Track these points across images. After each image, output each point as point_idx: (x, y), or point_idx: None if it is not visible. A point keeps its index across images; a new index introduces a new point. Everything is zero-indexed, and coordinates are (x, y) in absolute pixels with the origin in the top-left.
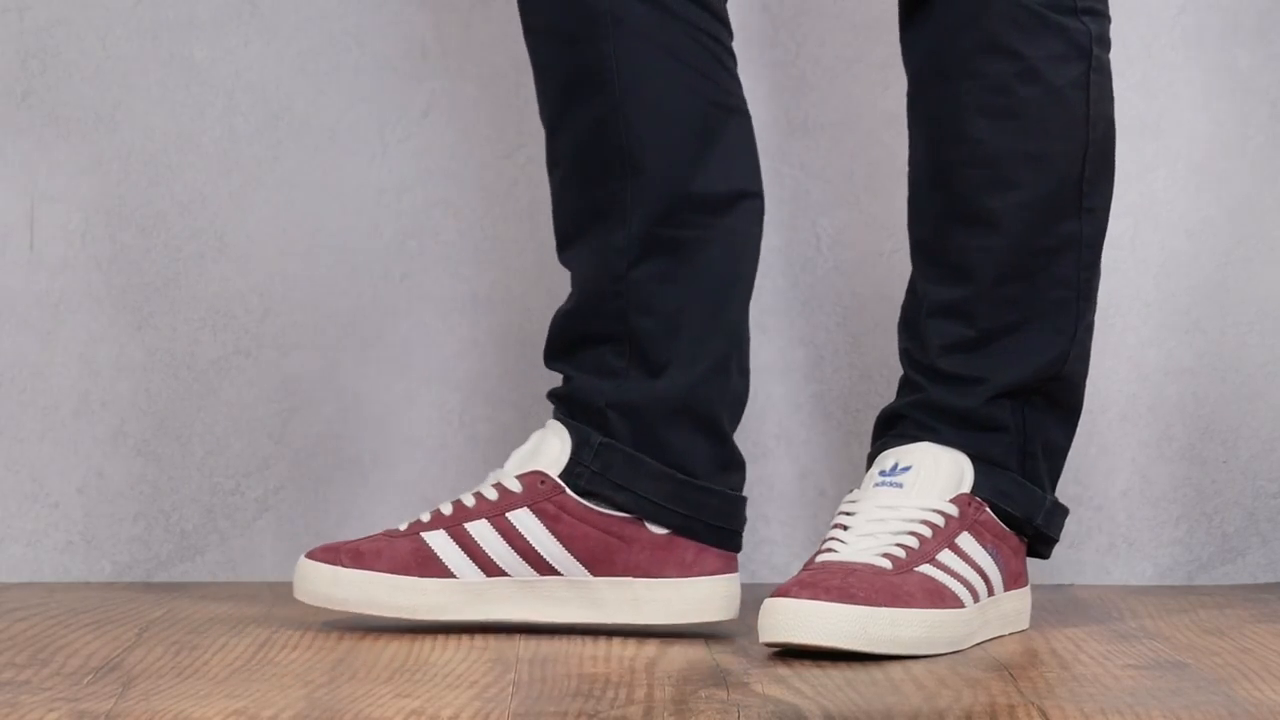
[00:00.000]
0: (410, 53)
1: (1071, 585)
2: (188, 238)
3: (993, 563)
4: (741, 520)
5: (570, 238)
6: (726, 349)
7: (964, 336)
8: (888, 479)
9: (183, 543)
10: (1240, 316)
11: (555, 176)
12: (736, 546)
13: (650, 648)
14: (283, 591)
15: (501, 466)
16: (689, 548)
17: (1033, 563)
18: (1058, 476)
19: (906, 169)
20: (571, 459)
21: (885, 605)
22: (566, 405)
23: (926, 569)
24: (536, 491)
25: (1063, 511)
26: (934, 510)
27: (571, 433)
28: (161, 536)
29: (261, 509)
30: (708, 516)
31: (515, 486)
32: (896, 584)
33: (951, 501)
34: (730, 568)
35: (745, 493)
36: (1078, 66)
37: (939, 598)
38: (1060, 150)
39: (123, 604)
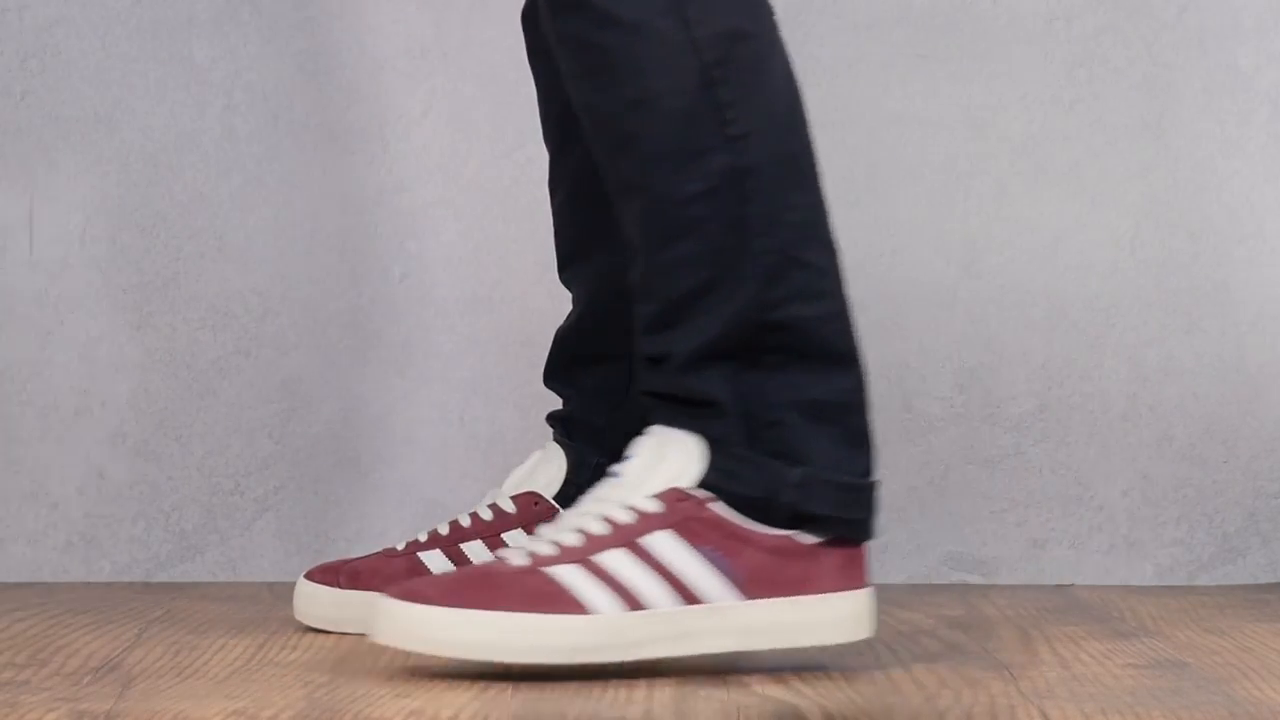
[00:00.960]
0: (410, 53)
1: (1072, 585)
2: (188, 238)
3: (706, 567)
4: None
5: (571, 258)
6: None
7: (650, 313)
8: (612, 470)
9: (183, 543)
10: (1240, 316)
11: (556, 199)
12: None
13: None
14: (282, 592)
15: (505, 471)
16: None
17: (1035, 562)
18: (862, 437)
19: (906, 169)
20: (567, 480)
21: (458, 605)
22: (565, 426)
23: (559, 569)
24: (530, 513)
25: (847, 485)
26: (628, 506)
27: (569, 454)
28: (161, 536)
29: (261, 509)
30: None
31: (509, 507)
32: (499, 583)
33: (658, 496)
34: None
35: None
36: None
37: (548, 601)
38: (664, 87)
39: (123, 604)
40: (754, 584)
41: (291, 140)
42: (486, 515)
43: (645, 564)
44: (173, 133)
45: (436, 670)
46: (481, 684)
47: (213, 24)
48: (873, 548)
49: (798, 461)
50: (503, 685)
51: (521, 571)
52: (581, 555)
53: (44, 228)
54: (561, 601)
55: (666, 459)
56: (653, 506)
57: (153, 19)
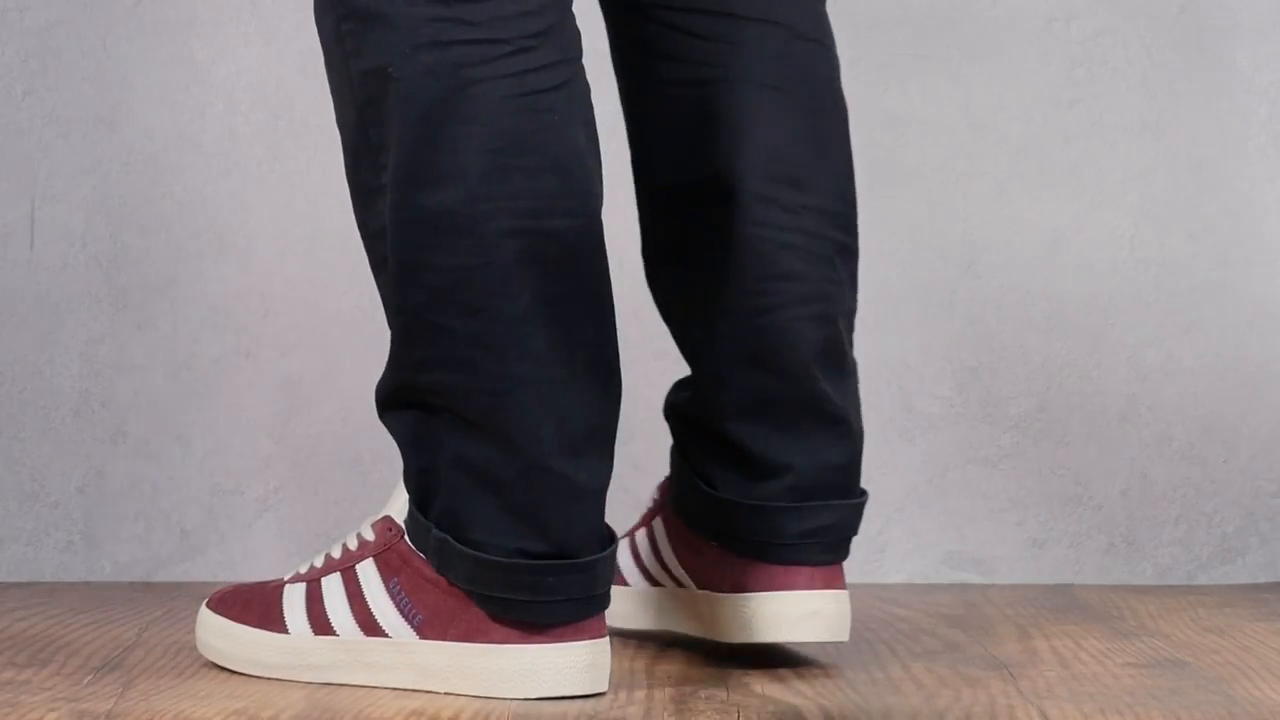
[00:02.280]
0: None
1: (1071, 585)
2: (188, 238)
3: (390, 601)
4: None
5: None
6: None
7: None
8: None
9: (183, 543)
10: (1240, 316)
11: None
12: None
13: (650, 647)
14: None
15: None
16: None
17: (1034, 561)
18: (522, 511)
19: (906, 169)
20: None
21: (220, 614)
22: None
23: (291, 587)
24: (384, 539)
25: (483, 562)
26: (357, 533)
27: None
28: (161, 536)
29: (261, 509)
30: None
31: (369, 535)
32: (255, 597)
33: (374, 524)
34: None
35: None
36: (328, 18)
37: (265, 618)
38: (341, 120)
39: (123, 604)
40: (429, 624)
41: (291, 140)
42: (353, 544)
43: (346, 591)
44: (173, 133)
45: None
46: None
47: (213, 24)
48: (873, 547)
49: (454, 523)
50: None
51: (276, 587)
52: (314, 575)
53: (44, 228)
54: (272, 619)
55: (398, 487)
56: (369, 534)
57: (153, 19)
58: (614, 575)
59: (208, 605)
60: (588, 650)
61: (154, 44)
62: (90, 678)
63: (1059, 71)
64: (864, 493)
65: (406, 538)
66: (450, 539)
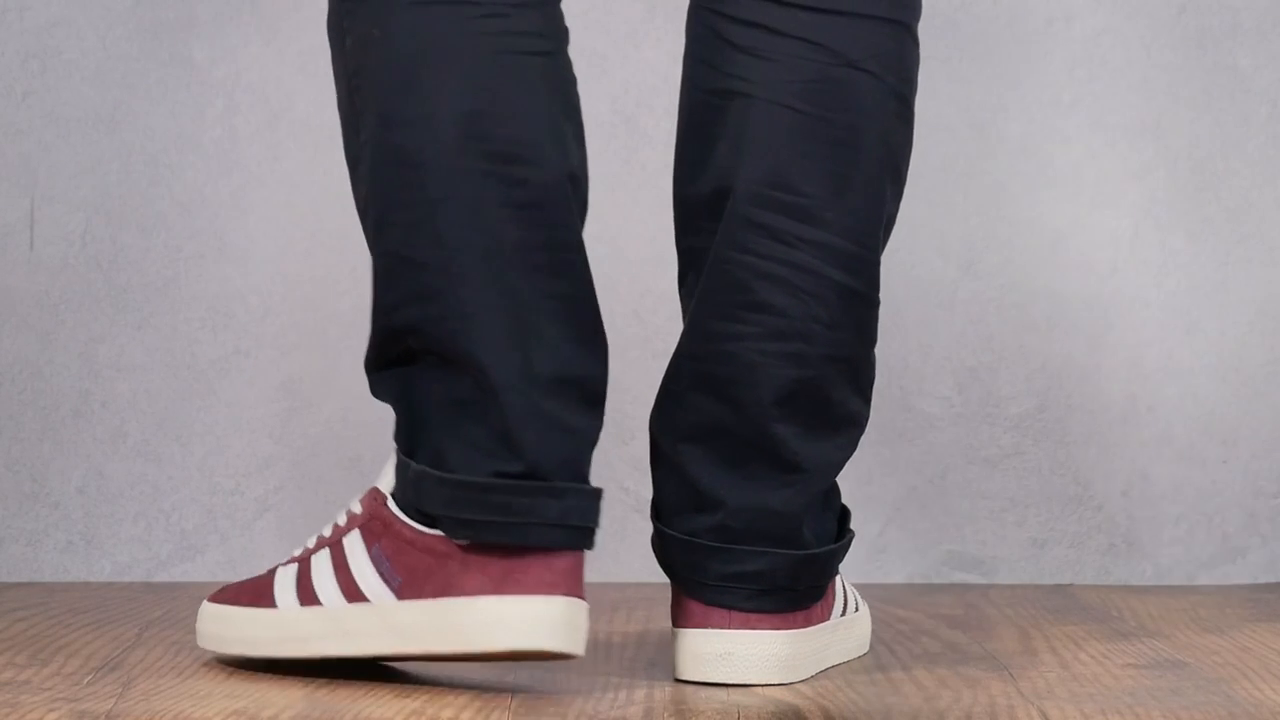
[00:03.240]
0: None
1: (1071, 585)
2: (188, 238)
3: (371, 566)
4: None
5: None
6: None
7: None
8: None
9: (183, 543)
10: (1240, 316)
11: None
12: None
13: (650, 648)
14: None
15: None
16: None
17: (1034, 561)
18: (504, 437)
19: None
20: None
21: (220, 601)
22: None
23: (284, 567)
24: (369, 510)
25: (461, 483)
26: (347, 508)
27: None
28: (161, 536)
29: (261, 509)
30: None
31: (356, 509)
32: (247, 582)
33: (362, 498)
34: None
35: None
36: (331, 3)
37: (258, 596)
38: (338, 100)
39: (123, 604)
40: (408, 585)
41: (291, 140)
42: (342, 520)
43: (333, 563)
44: (173, 133)
45: (436, 670)
46: (482, 684)
47: (213, 24)
48: (873, 548)
49: (437, 459)
50: (503, 685)
51: (271, 569)
52: (305, 554)
53: (44, 228)
54: (264, 597)
55: (389, 462)
56: (356, 508)
57: (153, 19)
58: (594, 524)
59: (208, 599)
60: (564, 606)
61: (154, 44)
62: (90, 678)
63: (1059, 71)
64: (818, 545)
65: (390, 503)
66: (429, 469)
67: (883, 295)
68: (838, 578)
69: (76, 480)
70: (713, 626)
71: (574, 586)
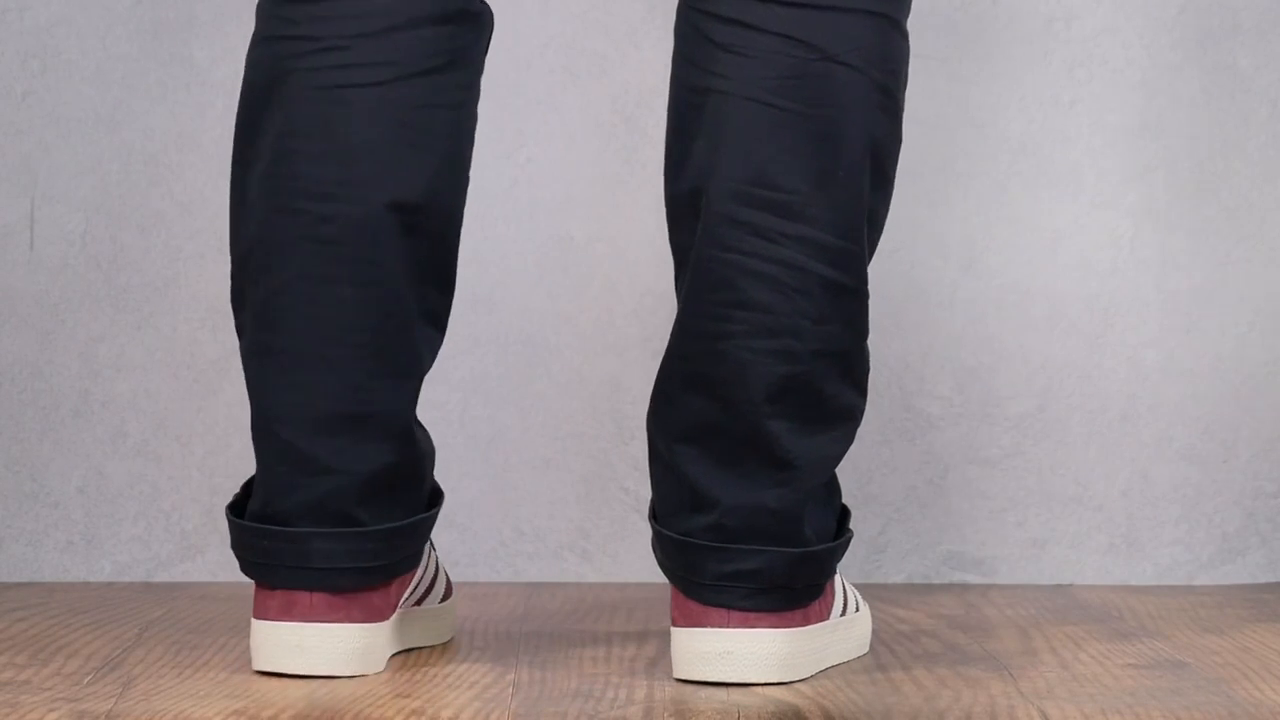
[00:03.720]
0: None
1: (1071, 585)
2: (187, 238)
3: None
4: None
5: None
6: None
7: None
8: None
9: (183, 543)
10: (1240, 316)
11: None
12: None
13: (650, 648)
14: None
15: (505, 471)
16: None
17: (1034, 561)
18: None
19: (906, 169)
20: None
21: None
22: None
23: None
24: None
25: (231, 523)
26: None
27: None
28: (161, 536)
29: None
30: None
31: None
32: None
33: None
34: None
35: None
36: None
37: None
38: None
39: (123, 604)
40: None
41: None
42: None
43: None
44: (173, 133)
45: (436, 670)
46: (482, 684)
47: (213, 24)
48: (873, 548)
49: (237, 504)
50: (503, 685)
51: None
52: None
53: (44, 228)
54: None
55: None
56: None
57: (153, 19)
58: (345, 564)
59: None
60: (291, 631)
61: (154, 44)
62: (90, 678)
63: (1059, 71)
64: (817, 542)
65: None
66: (228, 508)
67: (883, 296)
68: (837, 577)
69: (76, 480)
70: (711, 625)
71: (311, 612)
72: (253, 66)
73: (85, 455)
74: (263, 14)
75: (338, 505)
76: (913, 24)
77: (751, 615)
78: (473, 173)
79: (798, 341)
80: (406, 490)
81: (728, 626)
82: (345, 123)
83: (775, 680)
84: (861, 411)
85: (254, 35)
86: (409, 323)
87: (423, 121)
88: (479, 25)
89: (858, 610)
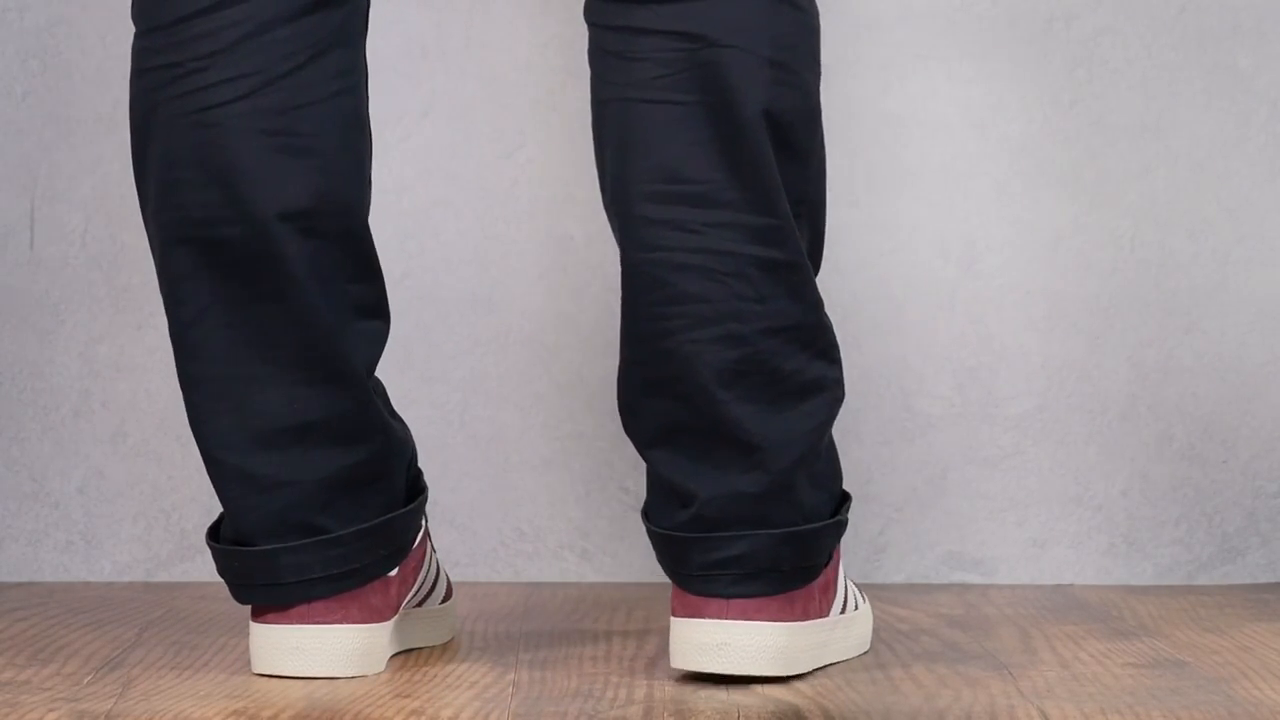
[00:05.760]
0: (410, 53)
1: (1071, 585)
2: None
3: None
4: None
5: None
6: None
7: None
8: None
9: (183, 543)
10: (1240, 316)
11: None
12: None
13: (650, 647)
14: None
15: (505, 471)
16: None
17: (1034, 561)
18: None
19: (906, 169)
20: None
21: None
22: None
23: None
24: None
25: (212, 549)
26: None
27: None
28: (161, 536)
29: None
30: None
31: None
32: None
33: None
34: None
35: None
36: None
37: None
38: None
39: (123, 604)
40: None
41: None
42: None
43: None
44: None
45: (436, 670)
46: (482, 684)
47: None
48: (873, 548)
49: (215, 530)
50: (503, 685)
51: None
52: None
53: (44, 228)
54: None
55: None
56: None
57: None
58: (310, 575)
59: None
60: (290, 633)
61: None
62: (90, 678)
63: (1059, 71)
64: (803, 522)
65: None
66: (208, 533)
67: (884, 296)
68: (840, 575)
69: (76, 480)
70: (709, 616)
71: (309, 615)
72: (131, 104)
73: (85, 455)
74: (133, 49)
75: (298, 517)
76: (913, 24)
77: (750, 608)
78: (474, 172)
79: (740, 324)
80: (372, 489)
81: (725, 618)
82: (216, 144)
83: (772, 674)
84: (836, 381)
85: (130, 73)
86: (330, 325)
87: (295, 125)
88: (341, 5)
89: (858, 608)
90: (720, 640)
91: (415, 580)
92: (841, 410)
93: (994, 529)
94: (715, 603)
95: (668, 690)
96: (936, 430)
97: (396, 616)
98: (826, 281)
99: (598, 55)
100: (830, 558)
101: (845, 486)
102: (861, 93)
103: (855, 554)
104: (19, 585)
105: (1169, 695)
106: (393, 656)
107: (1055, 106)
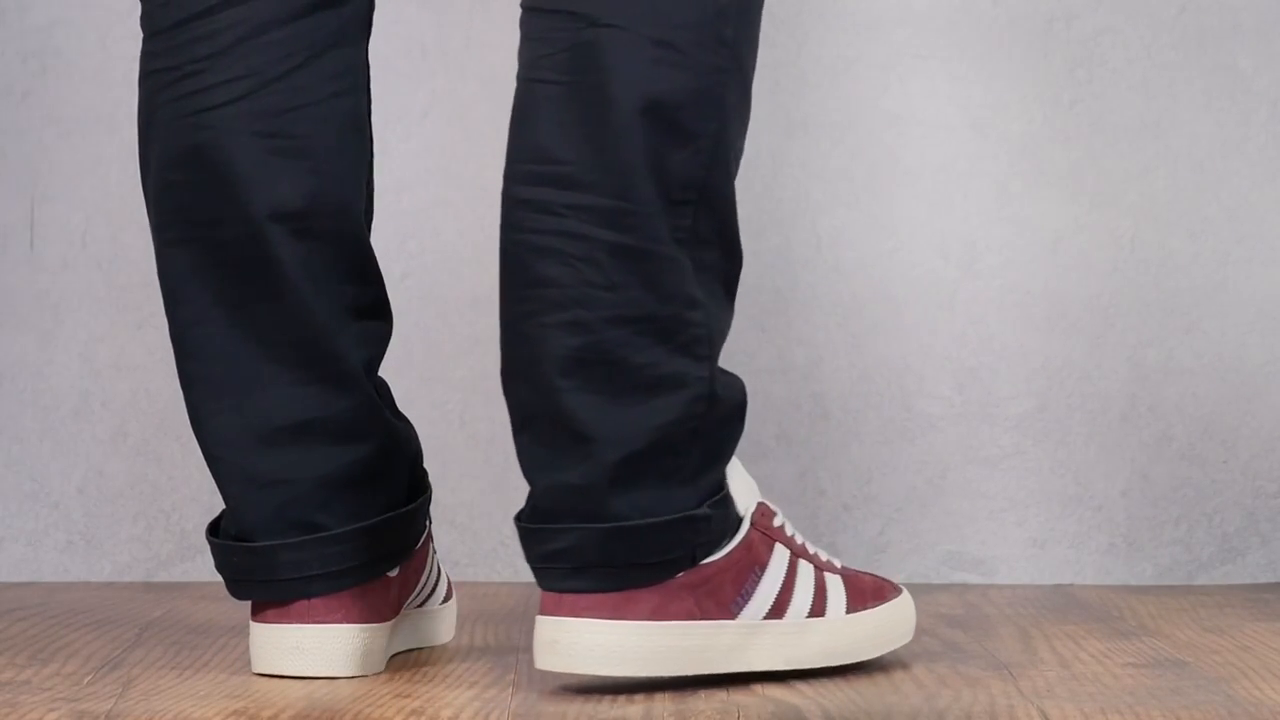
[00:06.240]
0: (410, 53)
1: (1071, 585)
2: None
3: None
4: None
5: None
6: None
7: None
8: None
9: (183, 543)
10: (1240, 316)
11: None
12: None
13: None
14: None
15: (505, 471)
16: None
17: (1034, 561)
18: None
19: (906, 169)
20: None
21: None
22: None
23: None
24: None
25: (211, 544)
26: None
27: None
28: (161, 536)
29: None
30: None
31: None
32: None
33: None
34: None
35: None
36: None
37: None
38: None
39: (123, 604)
40: None
41: None
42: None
43: None
44: None
45: (436, 670)
46: (482, 684)
47: None
48: (873, 548)
49: (215, 526)
50: (503, 685)
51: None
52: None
53: (44, 228)
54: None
55: None
56: None
57: None
58: (310, 571)
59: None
60: (289, 633)
61: None
62: (90, 678)
63: (1059, 71)
64: (639, 517)
65: None
66: (208, 529)
67: (884, 296)
68: (781, 575)
69: (76, 480)
70: (545, 613)
71: (309, 614)
72: (137, 108)
73: (85, 455)
74: (140, 55)
75: (297, 514)
76: (913, 24)
77: (579, 604)
78: (474, 172)
79: (587, 311)
80: (372, 488)
81: (557, 614)
82: (212, 146)
83: (612, 674)
84: (701, 379)
85: (137, 78)
86: (327, 325)
87: (289, 127)
88: (340, 7)
89: (824, 615)
90: (552, 637)
91: (417, 582)
92: (841, 411)
93: (994, 529)
94: (550, 597)
95: (668, 690)
96: (936, 430)
97: (397, 617)
98: (827, 281)
99: (520, 41)
100: (696, 556)
101: (845, 486)
102: (861, 93)
103: (855, 554)
104: (19, 585)
105: (1169, 695)
106: (393, 656)
107: (1055, 106)
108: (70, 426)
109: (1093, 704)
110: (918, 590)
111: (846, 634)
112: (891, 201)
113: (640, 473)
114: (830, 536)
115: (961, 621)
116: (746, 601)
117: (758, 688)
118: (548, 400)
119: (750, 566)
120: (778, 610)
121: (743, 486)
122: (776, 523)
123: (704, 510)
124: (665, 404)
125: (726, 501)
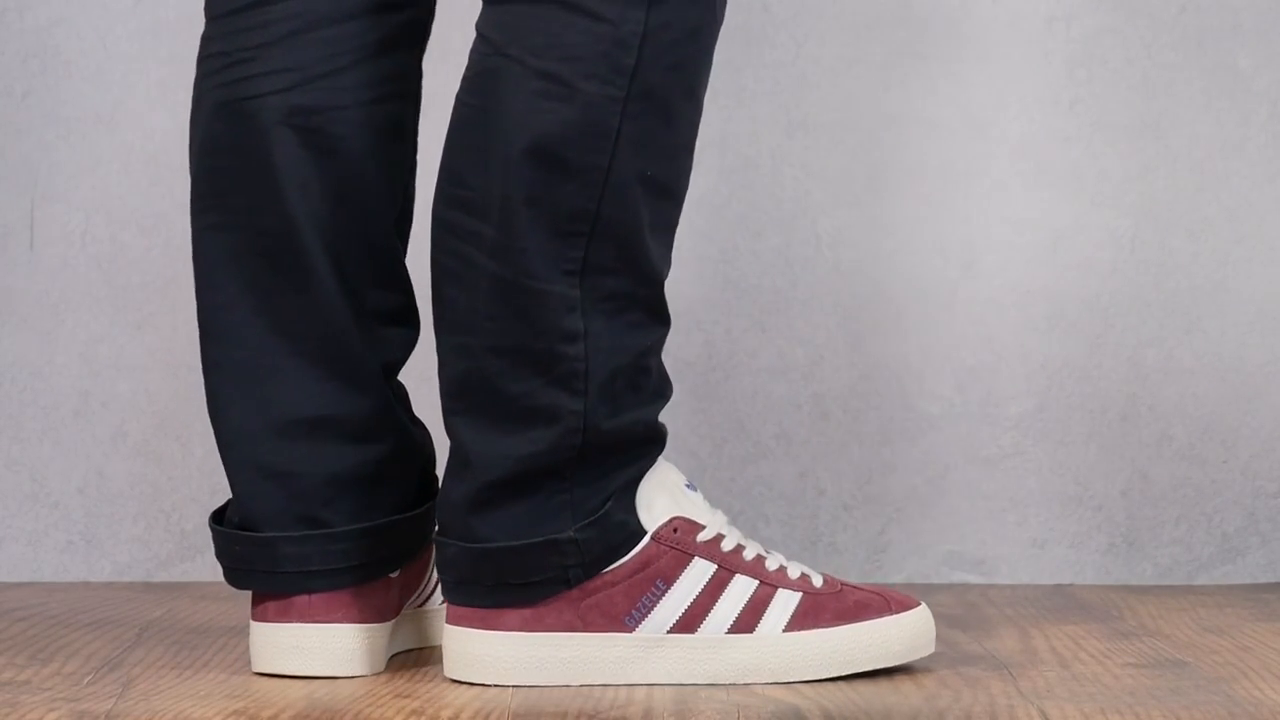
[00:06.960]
0: None
1: (1071, 585)
2: (187, 238)
3: None
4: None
5: None
6: None
7: None
8: None
9: (183, 543)
10: (1240, 316)
11: None
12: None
13: None
14: None
15: None
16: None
17: (1034, 561)
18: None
19: (906, 169)
20: None
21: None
22: None
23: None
24: None
25: (215, 531)
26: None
27: None
28: (161, 536)
29: None
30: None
31: None
32: None
33: None
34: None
35: (744, 492)
36: None
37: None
38: None
39: (123, 604)
40: None
41: None
42: None
43: None
44: (173, 133)
45: (436, 670)
46: (482, 684)
47: None
48: (873, 548)
49: (219, 514)
50: (503, 685)
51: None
52: None
53: (44, 228)
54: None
55: None
56: None
57: (153, 19)
58: (313, 566)
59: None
60: (290, 632)
61: (154, 44)
62: (90, 678)
63: (1059, 71)
64: (503, 540)
65: None
66: (211, 517)
67: (884, 296)
68: (743, 589)
69: (76, 480)
70: (447, 621)
71: (310, 613)
72: (192, 90)
73: (85, 455)
74: (200, 37)
75: (303, 508)
76: (913, 24)
77: (463, 615)
78: None
79: (472, 338)
80: (381, 489)
81: (448, 622)
82: (253, 136)
83: (484, 682)
84: (574, 413)
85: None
86: (350, 325)
87: (326, 125)
88: (396, 12)
89: (751, 631)
90: (447, 645)
91: (419, 583)
92: (841, 411)
93: (994, 529)
94: (446, 607)
95: (668, 690)
96: (936, 430)
97: (398, 617)
98: (827, 281)
99: None
100: (570, 578)
101: (846, 486)
102: (861, 93)
103: (855, 554)
104: (19, 585)
105: (1169, 695)
106: (393, 656)
107: (1055, 106)
108: (70, 426)
109: (1093, 704)
110: (918, 590)
111: (778, 652)
112: (891, 201)
113: (502, 498)
114: (830, 536)
115: (961, 621)
116: (645, 615)
117: (757, 688)
118: (445, 419)
119: (650, 580)
120: (686, 624)
121: (662, 502)
122: (704, 536)
123: (570, 535)
124: (537, 435)
125: (604, 522)
